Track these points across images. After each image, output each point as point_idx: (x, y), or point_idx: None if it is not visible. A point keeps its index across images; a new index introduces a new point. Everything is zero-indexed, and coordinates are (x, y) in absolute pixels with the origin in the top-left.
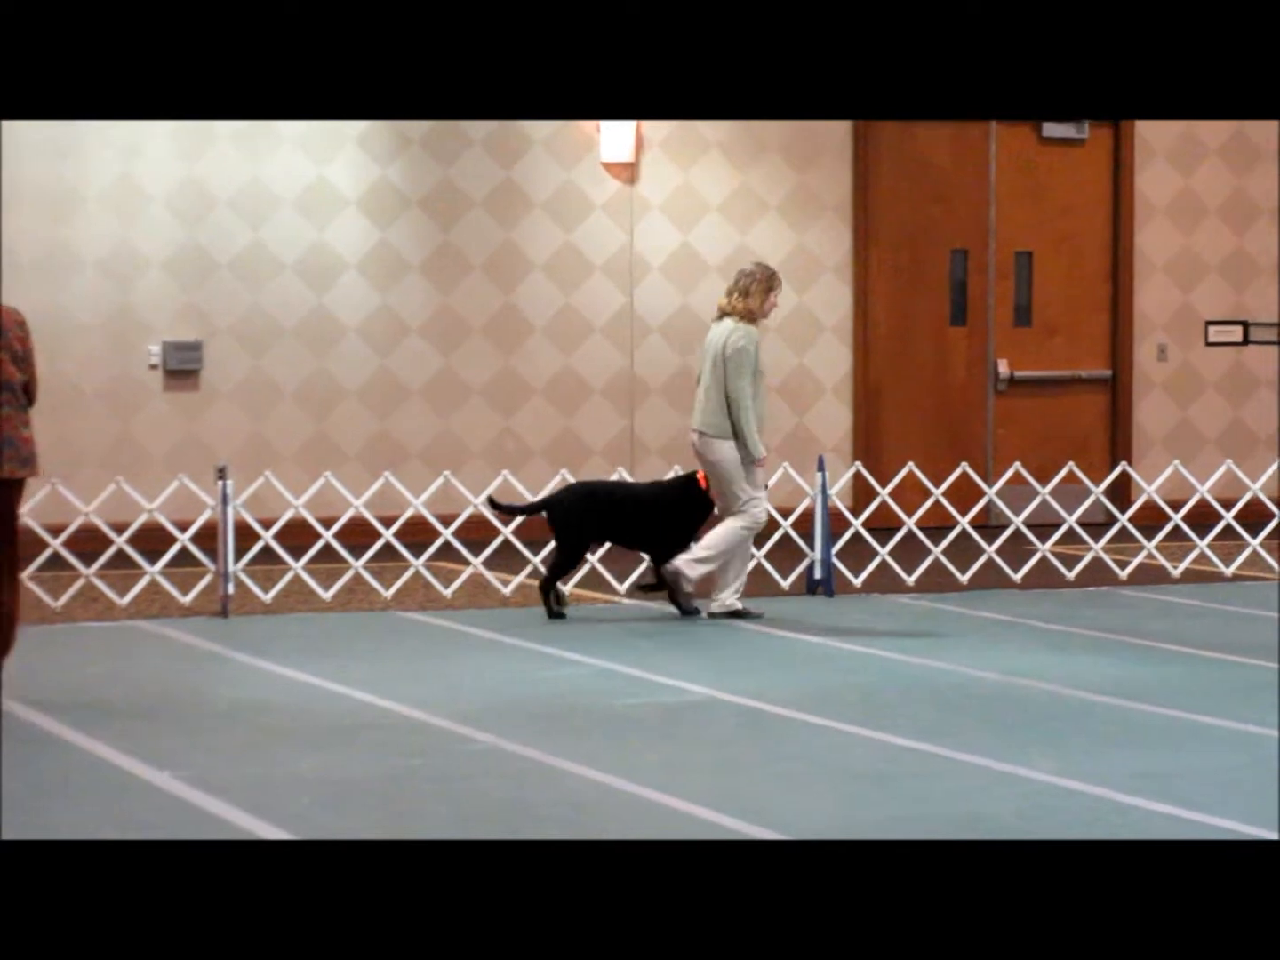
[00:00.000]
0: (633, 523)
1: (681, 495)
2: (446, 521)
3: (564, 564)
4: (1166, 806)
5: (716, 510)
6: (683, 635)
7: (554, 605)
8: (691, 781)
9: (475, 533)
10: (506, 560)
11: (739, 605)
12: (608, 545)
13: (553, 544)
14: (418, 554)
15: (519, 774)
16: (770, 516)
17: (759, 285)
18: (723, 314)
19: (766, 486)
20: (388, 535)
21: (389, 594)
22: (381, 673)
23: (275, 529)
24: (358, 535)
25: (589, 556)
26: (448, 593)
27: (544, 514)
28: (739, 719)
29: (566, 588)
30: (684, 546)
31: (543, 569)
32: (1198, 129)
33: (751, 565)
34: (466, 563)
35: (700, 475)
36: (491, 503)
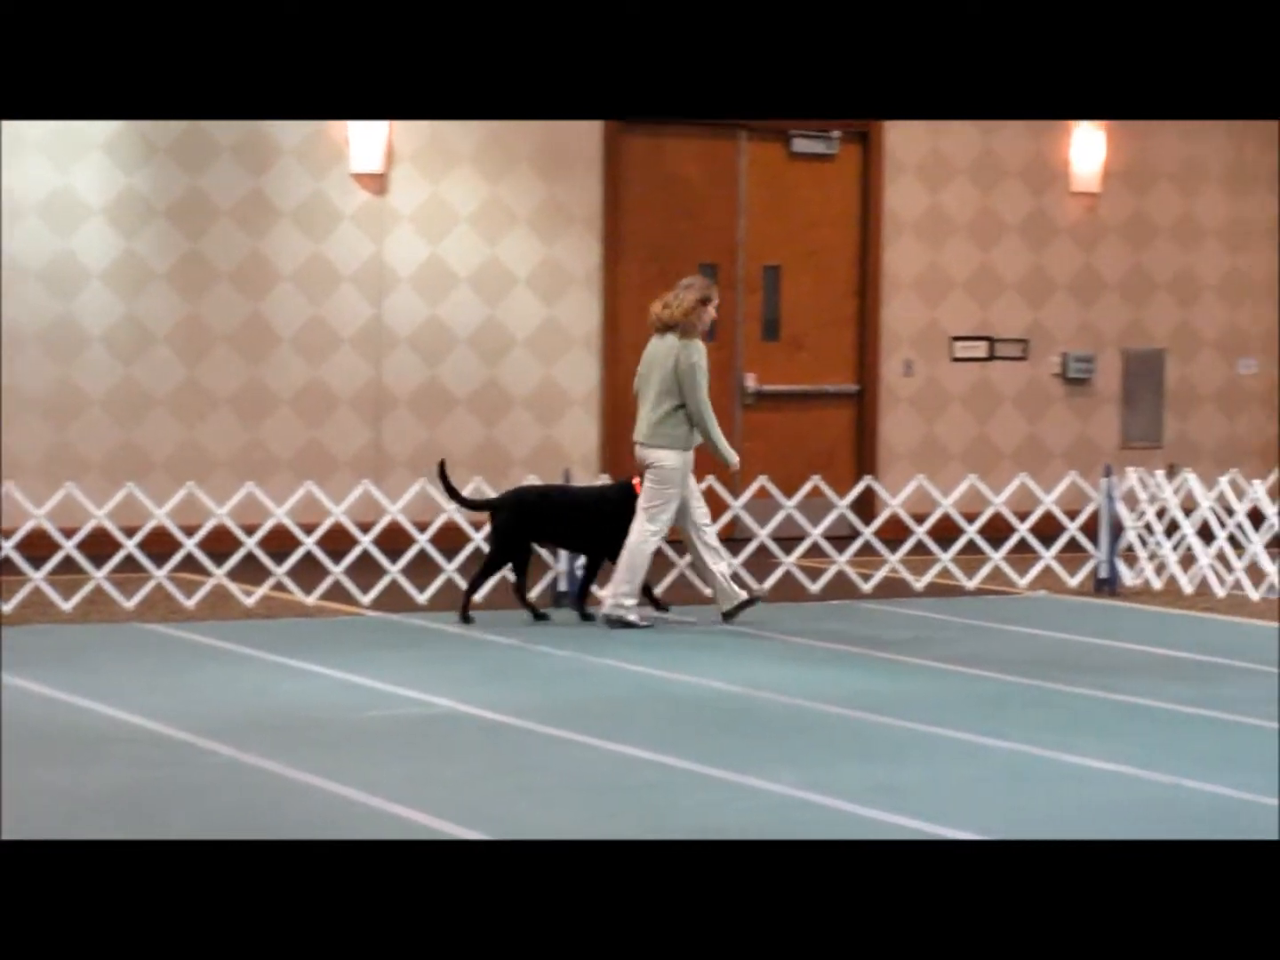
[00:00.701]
0: (571, 526)
1: (619, 500)
2: (190, 532)
3: (495, 564)
4: (902, 818)
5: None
6: (426, 648)
7: (536, 609)
8: (433, 794)
9: (218, 544)
10: (250, 572)
11: (632, 615)
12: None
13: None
14: (160, 565)
15: (259, 787)
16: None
17: (693, 294)
18: (664, 326)
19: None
20: (130, 546)
21: (131, 605)
22: (122, 685)
23: (15, 539)
24: (100, 546)
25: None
26: (190, 604)
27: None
28: (482, 732)
29: (478, 595)
30: (619, 549)
31: (288, 582)
32: (946, 146)
33: (496, 578)
34: (209, 574)
35: (636, 482)
36: (447, 487)
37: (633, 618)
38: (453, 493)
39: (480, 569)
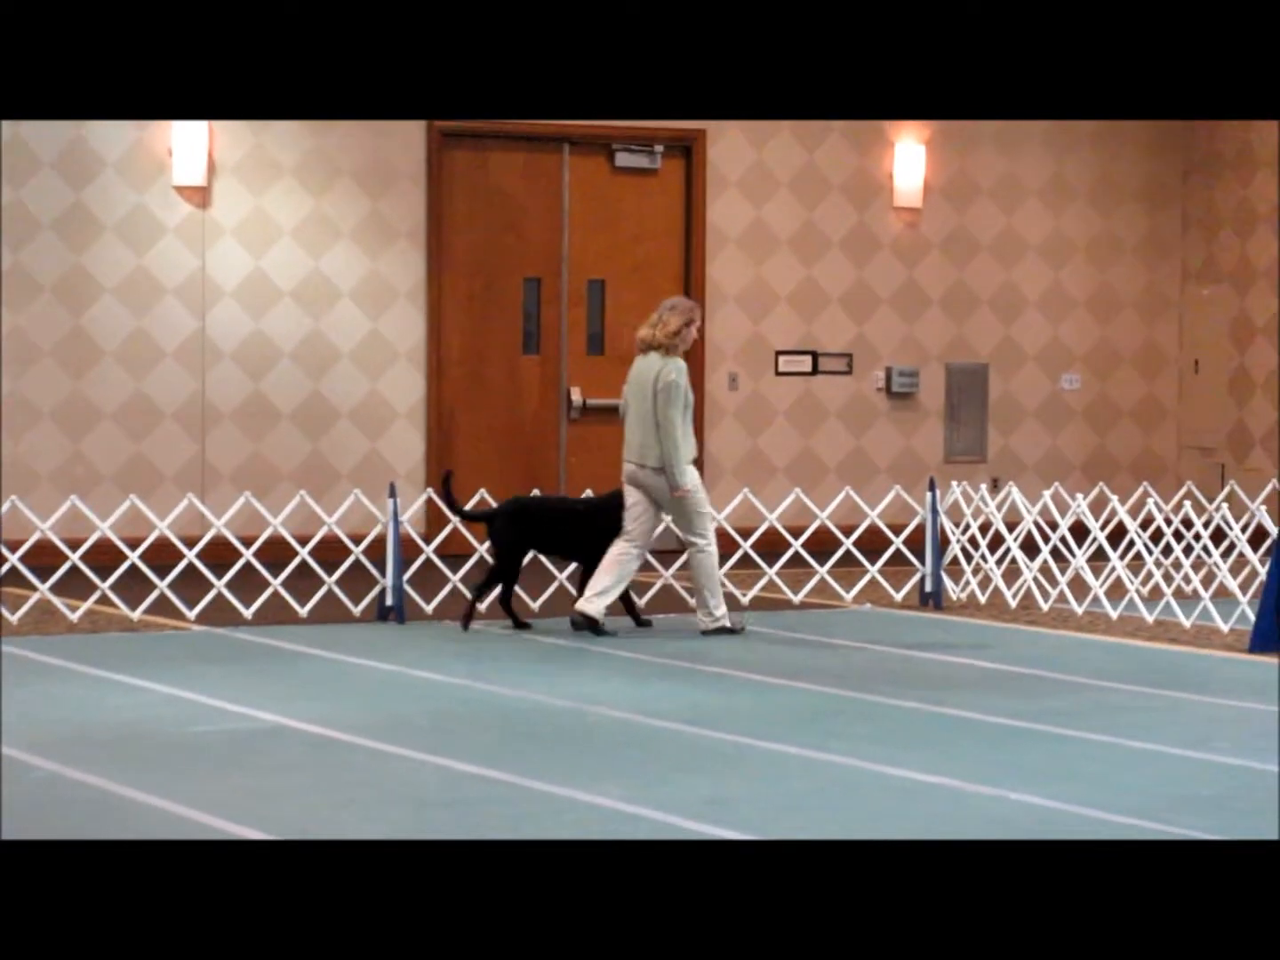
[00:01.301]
0: (568, 535)
1: (614, 510)
2: (13, 547)
3: (501, 573)
4: (730, 831)
5: (667, 531)
6: (253, 662)
7: (519, 617)
8: (258, 809)
9: (42, 558)
10: (74, 586)
11: (727, 622)
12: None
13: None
14: None
15: (81, 802)
16: (340, 542)
17: (678, 317)
18: (647, 346)
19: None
20: None
21: None
22: None
23: None
24: None
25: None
26: (13, 619)
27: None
28: (307, 746)
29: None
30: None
31: (113, 596)
32: (769, 161)
33: (323, 591)
34: (33, 588)
35: None
36: (447, 496)
37: (727, 624)
38: (453, 505)
39: (485, 578)
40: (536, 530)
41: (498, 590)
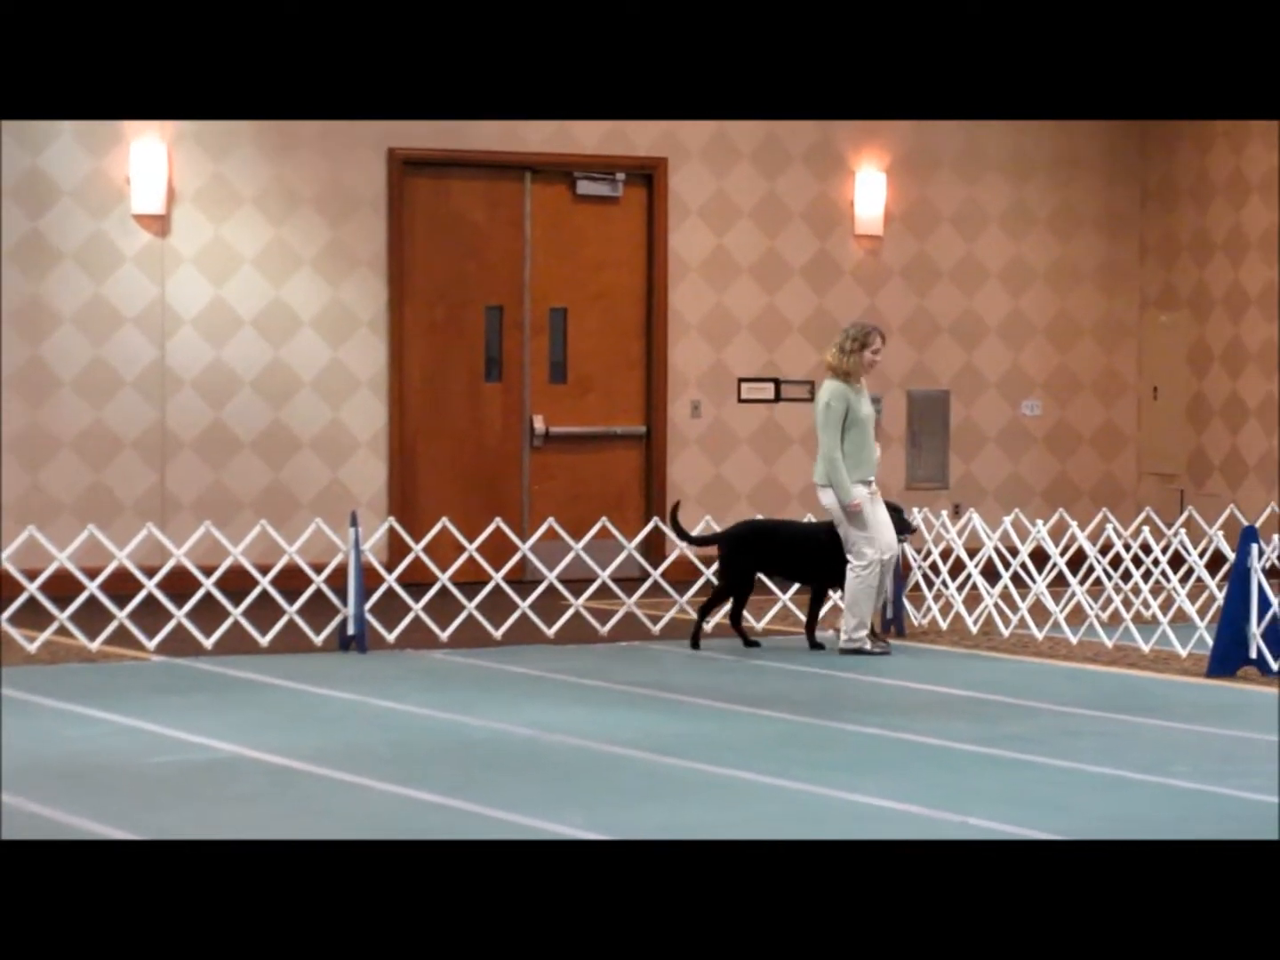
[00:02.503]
0: (796, 557)
1: (832, 535)
2: None
3: (731, 591)
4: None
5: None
6: (214, 693)
7: (747, 636)
8: (218, 840)
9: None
10: (32, 616)
11: (866, 645)
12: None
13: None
14: None
15: (37, 833)
16: (301, 571)
17: (853, 343)
18: (833, 371)
19: (903, 522)
20: None
21: None
22: None
23: None
24: None
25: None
26: None
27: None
28: (267, 776)
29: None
30: (838, 579)
31: (71, 626)
32: (730, 190)
33: (284, 620)
34: None
35: None
36: (675, 524)
37: (867, 646)
38: (682, 533)
39: (711, 598)
40: (767, 552)
41: (726, 607)
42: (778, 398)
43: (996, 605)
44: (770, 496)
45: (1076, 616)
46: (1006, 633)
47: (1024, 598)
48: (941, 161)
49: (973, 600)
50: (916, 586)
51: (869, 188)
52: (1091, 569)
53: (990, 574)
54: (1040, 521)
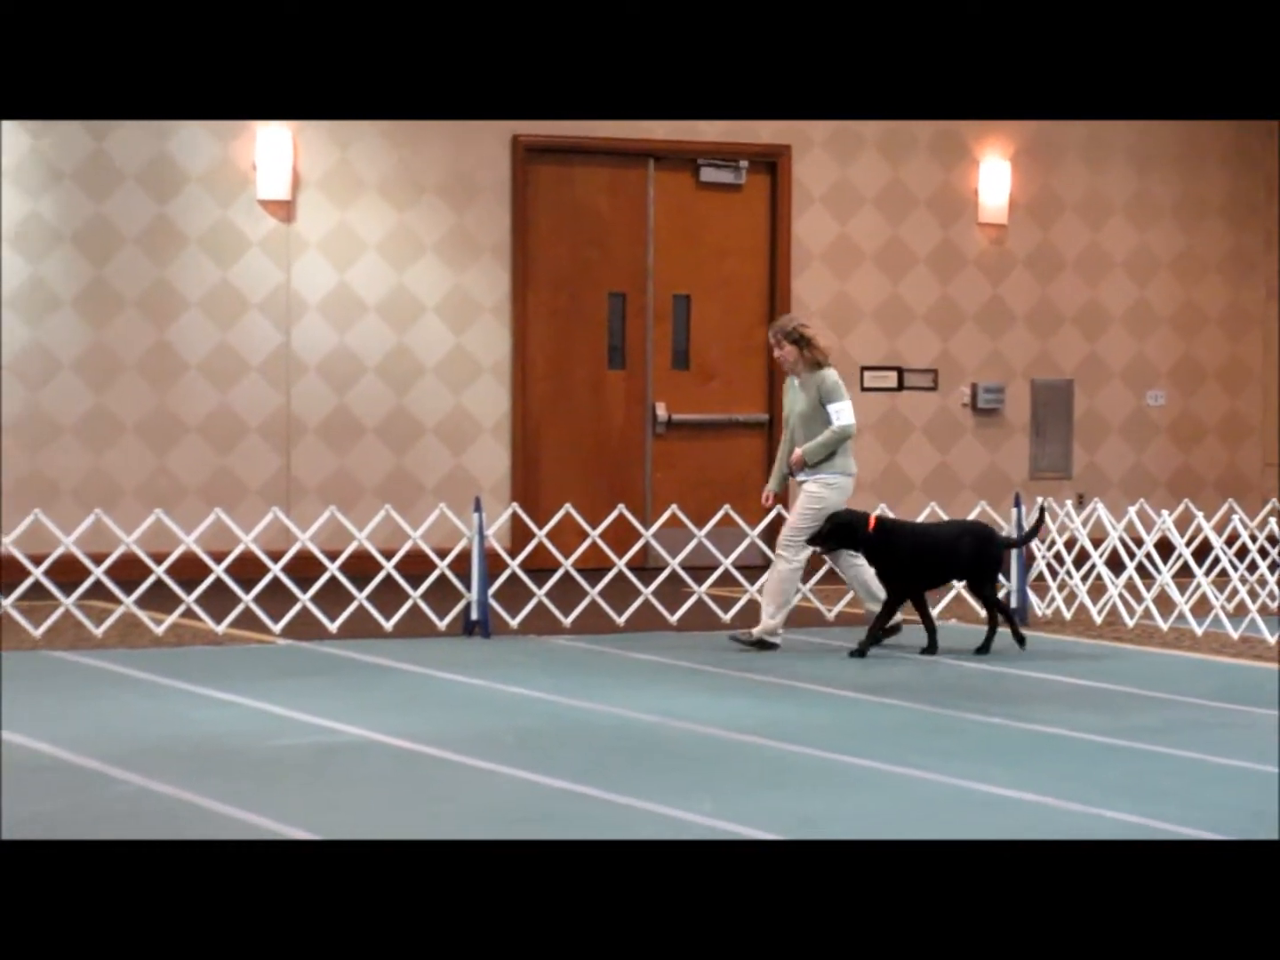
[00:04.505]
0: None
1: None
2: (98, 560)
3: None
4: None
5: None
6: (338, 676)
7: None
8: (342, 822)
9: (127, 572)
10: (159, 599)
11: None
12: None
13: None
14: (68, 592)
15: (168, 815)
16: (425, 556)
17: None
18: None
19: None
20: (37, 574)
21: (38, 633)
22: (30, 713)
23: None
24: (7, 574)
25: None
26: (99, 632)
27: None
28: (392, 760)
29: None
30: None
31: (198, 609)
32: (854, 178)
33: (408, 605)
34: (118, 602)
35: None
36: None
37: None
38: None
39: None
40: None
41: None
42: (900, 386)
43: (1121, 595)
44: (892, 484)
45: (1202, 607)
46: (1131, 623)
47: (1149, 588)
48: (1066, 150)
49: (1097, 590)
50: (1040, 576)
51: (993, 176)
52: (1217, 560)
53: (1115, 564)
54: (1165, 512)
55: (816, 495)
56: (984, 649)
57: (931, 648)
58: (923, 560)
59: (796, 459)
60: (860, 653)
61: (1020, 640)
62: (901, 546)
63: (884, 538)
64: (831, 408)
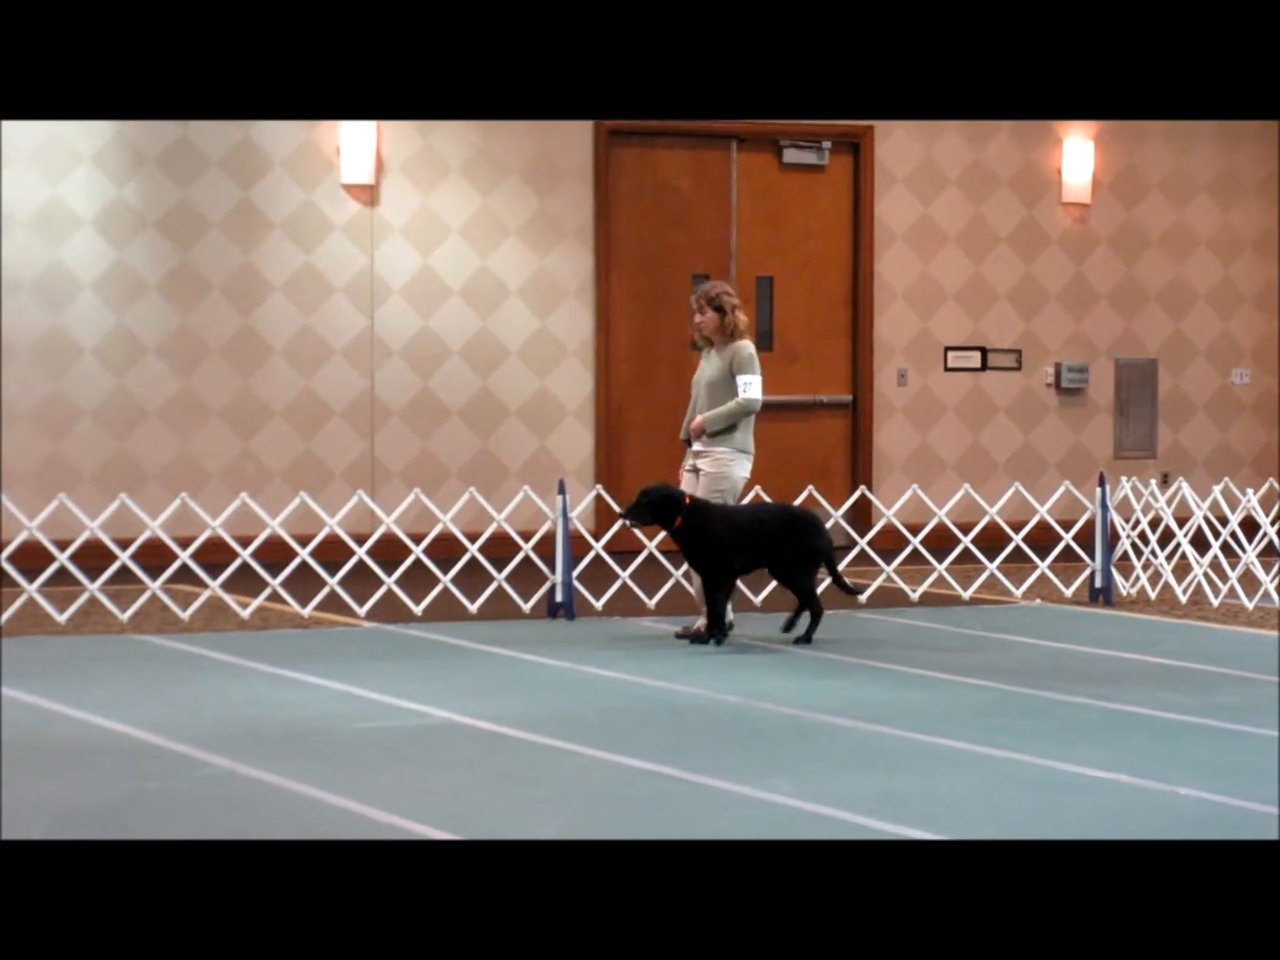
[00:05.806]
0: None
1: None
2: (184, 544)
3: None
4: (906, 828)
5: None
6: (423, 658)
7: None
8: (427, 805)
9: (213, 555)
10: (244, 583)
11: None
12: None
13: None
14: (155, 576)
15: (255, 798)
16: (509, 539)
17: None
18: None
19: None
20: (124, 558)
21: (125, 617)
22: (116, 696)
23: (9, 551)
24: (94, 558)
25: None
26: (185, 615)
27: None
28: (478, 742)
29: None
30: None
31: (283, 593)
32: (937, 157)
33: (493, 588)
34: (204, 585)
35: None
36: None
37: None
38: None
39: None
40: None
41: None
42: (984, 366)
43: (1206, 574)
44: (976, 465)
45: None
46: (1216, 602)
47: (1233, 567)
48: (1149, 129)
49: (1181, 569)
50: (1125, 556)
51: (1076, 155)
52: None
53: (1199, 543)
54: (1250, 491)
55: (719, 475)
56: (788, 628)
57: (712, 639)
58: (736, 543)
59: (696, 426)
60: (708, 639)
61: (809, 639)
62: (714, 528)
63: (697, 517)
64: (741, 379)
